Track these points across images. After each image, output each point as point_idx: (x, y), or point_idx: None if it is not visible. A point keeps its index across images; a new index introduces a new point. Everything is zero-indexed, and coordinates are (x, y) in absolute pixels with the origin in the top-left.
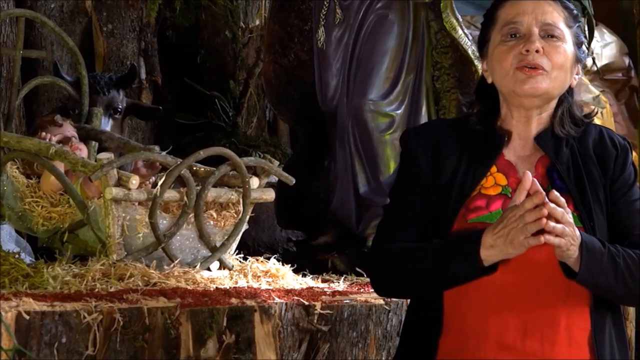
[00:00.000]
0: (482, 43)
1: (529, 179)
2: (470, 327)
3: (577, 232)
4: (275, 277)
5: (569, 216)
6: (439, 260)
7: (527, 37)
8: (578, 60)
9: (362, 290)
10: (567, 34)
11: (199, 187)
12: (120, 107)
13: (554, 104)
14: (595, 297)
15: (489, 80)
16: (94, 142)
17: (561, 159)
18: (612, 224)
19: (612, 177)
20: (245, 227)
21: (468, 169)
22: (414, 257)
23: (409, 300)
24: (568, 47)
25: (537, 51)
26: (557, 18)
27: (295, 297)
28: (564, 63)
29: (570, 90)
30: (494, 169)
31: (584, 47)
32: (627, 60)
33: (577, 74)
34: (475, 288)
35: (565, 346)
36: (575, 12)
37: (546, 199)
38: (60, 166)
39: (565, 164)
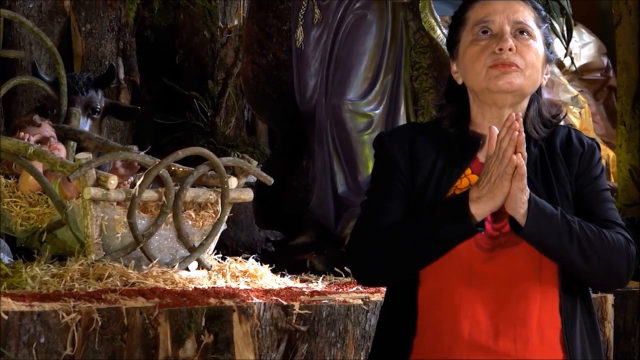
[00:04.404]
0: (452, 45)
1: (496, 132)
2: (444, 327)
3: (527, 189)
4: (254, 277)
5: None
6: (429, 228)
7: (499, 35)
8: (548, 60)
9: (340, 290)
10: (538, 33)
11: (177, 187)
12: (98, 107)
13: (525, 103)
14: (564, 287)
15: (460, 82)
16: (72, 142)
17: (529, 159)
18: (579, 213)
19: (577, 172)
20: (223, 227)
21: (443, 170)
22: (400, 233)
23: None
24: (539, 45)
25: (510, 49)
26: (528, 17)
27: (274, 297)
28: (536, 61)
29: (539, 90)
30: (468, 170)
31: (552, 48)
32: (605, 61)
33: (547, 74)
34: (450, 287)
35: (538, 345)
36: (543, 13)
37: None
38: (39, 166)
39: (533, 163)
